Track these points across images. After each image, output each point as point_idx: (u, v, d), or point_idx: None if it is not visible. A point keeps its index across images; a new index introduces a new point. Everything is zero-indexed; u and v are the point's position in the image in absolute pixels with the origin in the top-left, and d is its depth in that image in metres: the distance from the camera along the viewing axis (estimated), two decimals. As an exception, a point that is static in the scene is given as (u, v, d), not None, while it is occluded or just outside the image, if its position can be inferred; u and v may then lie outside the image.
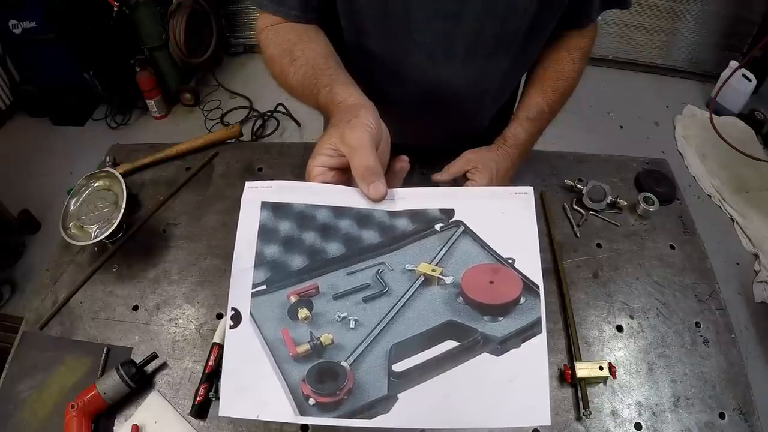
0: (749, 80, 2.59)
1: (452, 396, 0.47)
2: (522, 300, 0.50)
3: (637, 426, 0.72)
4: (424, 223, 0.55)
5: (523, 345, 0.48)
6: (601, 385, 0.75)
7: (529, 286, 0.51)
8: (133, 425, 0.71)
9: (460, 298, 0.51)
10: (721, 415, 0.73)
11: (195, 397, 0.73)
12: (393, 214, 0.54)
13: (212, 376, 0.75)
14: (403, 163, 0.58)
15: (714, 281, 0.88)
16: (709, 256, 0.92)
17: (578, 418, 0.72)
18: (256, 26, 0.79)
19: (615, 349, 0.79)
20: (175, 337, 0.81)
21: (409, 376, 0.48)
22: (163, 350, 0.79)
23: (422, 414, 0.47)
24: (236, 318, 0.50)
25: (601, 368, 0.73)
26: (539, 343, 0.48)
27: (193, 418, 0.72)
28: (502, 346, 0.48)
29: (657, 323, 0.82)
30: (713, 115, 2.45)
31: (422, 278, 0.52)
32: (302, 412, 0.47)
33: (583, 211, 0.96)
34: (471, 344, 0.49)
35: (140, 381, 0.73)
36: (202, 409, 0.73)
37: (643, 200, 0.95)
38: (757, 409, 0.74)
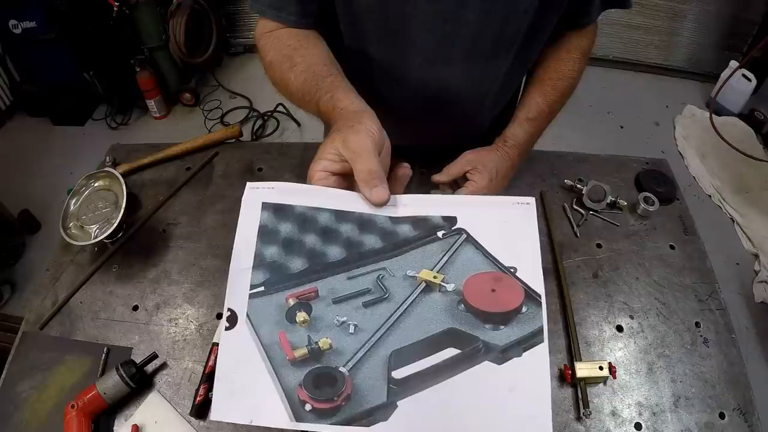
0: (749, 80, 2.59)
1: (452, 404, 0.46)
2: (524, 309, 0.50)
3: (637, 426, 0.72)
4: (426, 230, 0.54)
5: (525, 354, 0.48)
6: (601, 385, 0.75)
7: (530, 295, 0.50)
8: (133, 425, 0.71)
9: (462, 305, 0.50)
10: (721, 415, 0.73)
11: (195, 397, 0.73)
12: (395, 220, 0.54)
13: (212, 376, 0.74)
14: (405, 169, 0.58)
15: (714, 281, 0.88)
16: (709, 256, 0.92)
17: (578, 418, 0.72)
18: (255, 32, 0.79)
19: (615, 349, 0.79)
20: (175, 337, 0.81)
21: (409, 384, 0.47)
22: (163, 350, 0.79)
23: (422, 422, 0.46)
24: (232, 319, 0.49)
25: (601, 368, 0.73)
26: (541, 353, 0.47)
27: (193, 418, 0.72)
28: (503, 354, 0.48)
29: (657, 323, 0.82)
30: (713, 115, 2.45)
31: (423, 285, 0.52)
32: (298, 417, 0.45)
33: (583, 211, 0.96)
34: (472, 352, 0.48)
35: (140, 381, 0.73)
36: (202, 409, 0.73)
37: (643, 200, 0.95)
38: (757, 409, 0.74)
